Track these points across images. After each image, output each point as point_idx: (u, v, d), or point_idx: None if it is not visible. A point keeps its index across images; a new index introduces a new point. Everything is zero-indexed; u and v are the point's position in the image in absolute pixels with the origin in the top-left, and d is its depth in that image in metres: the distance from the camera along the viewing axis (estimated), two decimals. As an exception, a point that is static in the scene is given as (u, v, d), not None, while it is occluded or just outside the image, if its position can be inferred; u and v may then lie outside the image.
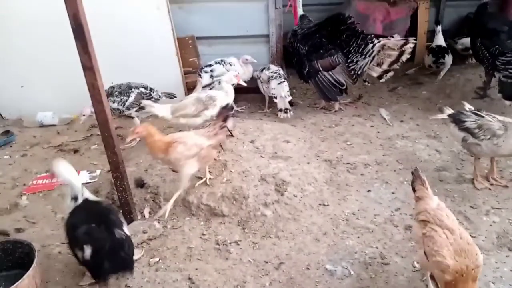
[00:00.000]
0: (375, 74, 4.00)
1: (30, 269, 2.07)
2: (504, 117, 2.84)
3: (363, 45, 3.90)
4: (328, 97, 4.15)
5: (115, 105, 3.47)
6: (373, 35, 3.96)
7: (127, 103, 3.51)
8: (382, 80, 4.03)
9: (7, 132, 4.02)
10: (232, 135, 3.37)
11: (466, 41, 4.75)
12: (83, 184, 3.09)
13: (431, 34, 5.17)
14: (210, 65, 4.14)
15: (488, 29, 3.98)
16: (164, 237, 2.61)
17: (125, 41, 4.04)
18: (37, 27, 3.92)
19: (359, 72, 4.02)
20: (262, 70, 4.21)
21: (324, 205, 2.85)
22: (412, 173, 2.27)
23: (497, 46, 3.83)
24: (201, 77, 4.08)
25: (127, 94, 3.52)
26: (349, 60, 4.01)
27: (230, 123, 2.86)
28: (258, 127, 3.57)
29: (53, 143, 3.88)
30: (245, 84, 3.67)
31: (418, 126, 3.88)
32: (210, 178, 2.90)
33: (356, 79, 4.11)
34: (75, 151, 3.73)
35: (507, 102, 3.74)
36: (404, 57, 3.86)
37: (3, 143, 3.90)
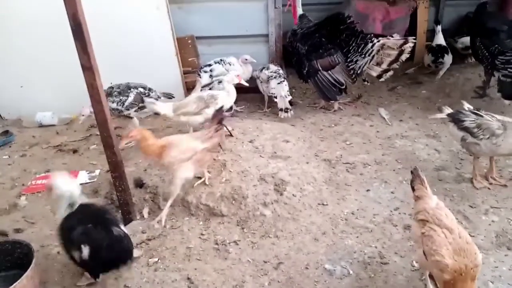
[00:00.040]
0: (374, 74, 4.00)
1: (28, 270, 2.07)
2: (503, 116, 2.84)
3: (363, 45, 3.89)
4: (327, 96, 4.15)
5: (114, 105, 3.47)
6: (372, 35, 3.96)
7: (126, 103, 3.51)
8: (382, 79, 4.03)
9: (6, 132, 4.02)
10: (231, 135, 3.37)
11: (466, 40, 4.75)
12: (81, 184, 3.16)
13: (431, 34, 5.17)
14: (210, 65, 4.13)
15: (488, 28, 3.98)
16: (163, 237, 2.61)
17: (125, 41, 4.04)
18: (37, 27, 3.92)
19: (358, 72, 4.02)
20: (261, 70, 4.21)
21: (323, 204, 2.85)
22: (412, 172, 2.27)
23: (496, 46, 3.83)
24: (200, 77, 4.08)
25: (126, 94, 3.52)
26: (348, 60, 4.01)
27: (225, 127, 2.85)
28: (258, 127, 3.57)
29: (52, 143, 3.87)
30: (247, 84, 3.67)
31: (418, 126, 3.88)
32: (209, 178, 2.89)
33: (355, 79, 4.11)
34: (74, 151, 3.73)
35: (506, 102, 3.75)
36: (404, 57, 3.85)
37: (2, 143, 3.90)
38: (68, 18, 2.07)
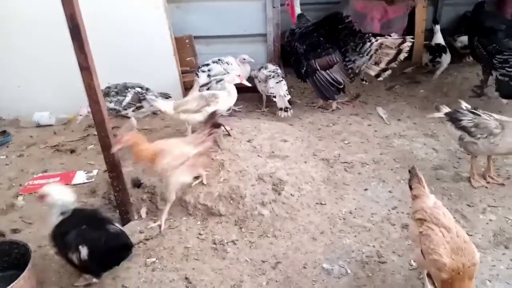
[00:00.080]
0: (372, 73, 4.00)
1: (25, 270, 2.06)
2: (500, 115, 2.84)
3: (361, 44, 3.90)
4: (325, 96, 4.14)
5: (112, 105, 3.46)
6: (370, 34, 3.96)
7: (123, 103, 3.50)
8: (380, 78, 4.02)
9: (3, 132, 4.00)
10: (229, 135, 3.37)
11: (466, 39, 4.72)
12: (79, 184, 3.16)
13: (429, 33, 5.18)
14: (208, 65, 4.12)
15: (485, 27, 3.99)
16: (161, 237, 2.60)
17: (123, 41, 4.03)
18: (34, 27, 3.90)
19: (356, 71, 4.03)
20: (259, 69, 4.21)
21: (321, 204, 2.85)
22: (409, 171, 2.27)
23: (494, 45, 3.83)
24: (198, 77, 4.07)
25: (124, 94, 3.51)
26: (346, 59, 4.01)
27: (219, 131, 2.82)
28: (256, 126, 3.57)
29: (50, 143, 3.86)
30: (248, 84, 3.66)
31: (415, 125, 3.89)
32: (206, 175, 2.88)
33: (353, 78, 4.12)
34: (72, 151, 3.72)
35: (504, 101, 3.75)
36: (402, 56, 3.85)
37: (0, 143, 3.88)
38: (66, 18, 2.07)
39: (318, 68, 4.04)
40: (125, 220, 2.71)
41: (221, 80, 3.98)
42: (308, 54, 4.03)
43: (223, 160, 3.04)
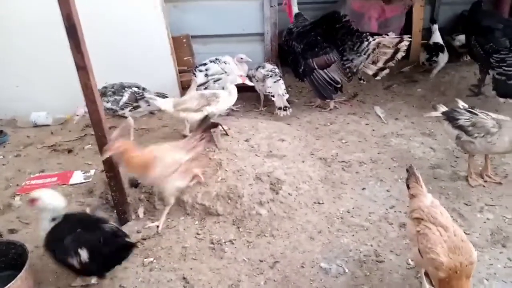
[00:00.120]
0: (370, 72, 4.00)
1: (22, 270, 2.05)
2: (498, 114, 2.85)
3: (358, 43, 3.90)
4: (323, 95, 4.14)
5: (109, 105, 3.45)
6: (368, 33, 3.96)
7: (120, 103, 3.49)
8: (378, 78, 4.02)
9: (0, 132, 3.99)
10: (227, 134, 3.36)
11: (464, 37, 4.75)
12: (76, 184, 3.14)
13: (426, 32, 5.18)
14: (205, 64, 4.11)
15: (483, 26, 3.99)
16: (158, 237, 2.60)
17: (120, 41, 4.02)
18: (32, 28, 3.88)
19: (354, 70, 4.03)
20: (257, 69, 4.20)
21: (319, 203, 2.85)
22: (407, 170, 2.27)
23: (491, 44, 3.84)
24: (195, 76, 4.06)
25: (121, 93, 3.50)
26: (344, 58, 4.01)
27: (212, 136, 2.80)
28: (253, 126, 3.56)
29: (47, 143, 3.85)
30: (251, 84, 3.66)
31: (413, 124, 3.89)
32: (202, 173, 2.86)
33: (351, 77, 4.12)
34: (69, 151, 3.70)
35: (501, 100, 3.76)
36: (399, 55, 3.85)
37: (-3, 143, 3.88)
38: (62, 18, 2.06)
39: (316, 67, 4.04)
40: (122, 220, 2.70)
41: (218, 79, 3.98)
42: (305, 53, 4.03)
43: (220, 159, 3.04)
